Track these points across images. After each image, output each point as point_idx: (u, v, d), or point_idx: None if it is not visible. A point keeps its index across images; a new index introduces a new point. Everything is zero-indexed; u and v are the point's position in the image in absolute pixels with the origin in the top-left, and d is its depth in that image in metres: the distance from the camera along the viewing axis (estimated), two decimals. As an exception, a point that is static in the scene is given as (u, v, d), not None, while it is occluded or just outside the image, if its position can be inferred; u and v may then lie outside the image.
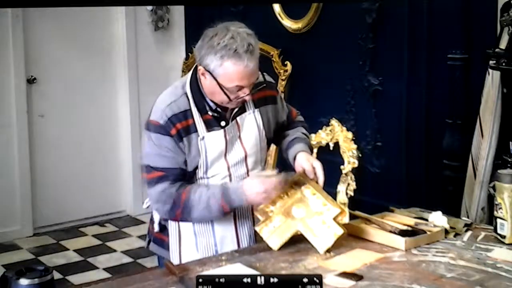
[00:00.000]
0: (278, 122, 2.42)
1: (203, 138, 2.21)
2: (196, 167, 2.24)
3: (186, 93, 2.22)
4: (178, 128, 2.18)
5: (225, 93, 2.15)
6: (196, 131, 2.20)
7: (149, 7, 5.35)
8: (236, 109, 2.26)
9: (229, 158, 2.27)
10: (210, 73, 2.14)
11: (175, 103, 2.20)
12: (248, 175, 2.31)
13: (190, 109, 2.21)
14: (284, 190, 2.25)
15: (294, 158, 2.34)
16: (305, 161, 2.29)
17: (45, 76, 5.05)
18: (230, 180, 2.28)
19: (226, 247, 2.29)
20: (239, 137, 2.28)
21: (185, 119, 2.19)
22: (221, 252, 2.24)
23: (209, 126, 2.22)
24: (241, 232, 2.34)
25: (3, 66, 4.80)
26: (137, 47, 5.39)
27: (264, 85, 2.31)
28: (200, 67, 2.18)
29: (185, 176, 2.24)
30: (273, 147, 3.20)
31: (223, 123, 2.24)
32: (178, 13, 5.56)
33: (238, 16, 4.41)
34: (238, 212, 2.32)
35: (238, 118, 2.27)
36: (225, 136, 2.24)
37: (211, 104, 2.22)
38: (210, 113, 2.22)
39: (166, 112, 2.18)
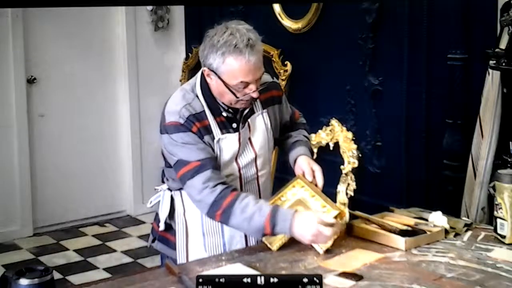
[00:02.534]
0: (281, 123, 2.43)
1: (218, 140, 2.20)
2: None
3: (197, 96, 2.21)
4: (198, 126, 2.17)
5: (231, 91, 2.14)
6: (212, 132, 2.20)
7: (149, 7, 5.35)
8: (246, 111, 2.25)
9: (240, 160, 2.27)
10: (214, 72, 2.13)
11: (190, 105, 2.18)
12: (257, 176, 2.32)
13: (204, 111, 2.20)
14: (281, 191, 2.26)
15: (295, 161, 2.34)
16: (305, 164, 2.30)
17: (45, 76, 5.04)
18: (241, 181, 2.28)
19: (235, 247, 2.28)
20: (249, 138, 2.29)
21: (201, 119, 2.18)
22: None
23: (223, 129, 2.22)
24: None
25: (3, 66, 4.79)
26: (137, 47, 5.39)
27: (270, 82, 2.32)
28: (204, 69, 2.18)
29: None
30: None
31: (234, 125, 2.24)
32: (178, 13, 5.56)
33: (238, 16, 4.41)
34: None
35: (249, 120, 2.27)
36: (239, 139, 2.24)
37: (223, 105, 2.21)
38: (224, 113, 2.21)
39: (183, 113, 2.16)
